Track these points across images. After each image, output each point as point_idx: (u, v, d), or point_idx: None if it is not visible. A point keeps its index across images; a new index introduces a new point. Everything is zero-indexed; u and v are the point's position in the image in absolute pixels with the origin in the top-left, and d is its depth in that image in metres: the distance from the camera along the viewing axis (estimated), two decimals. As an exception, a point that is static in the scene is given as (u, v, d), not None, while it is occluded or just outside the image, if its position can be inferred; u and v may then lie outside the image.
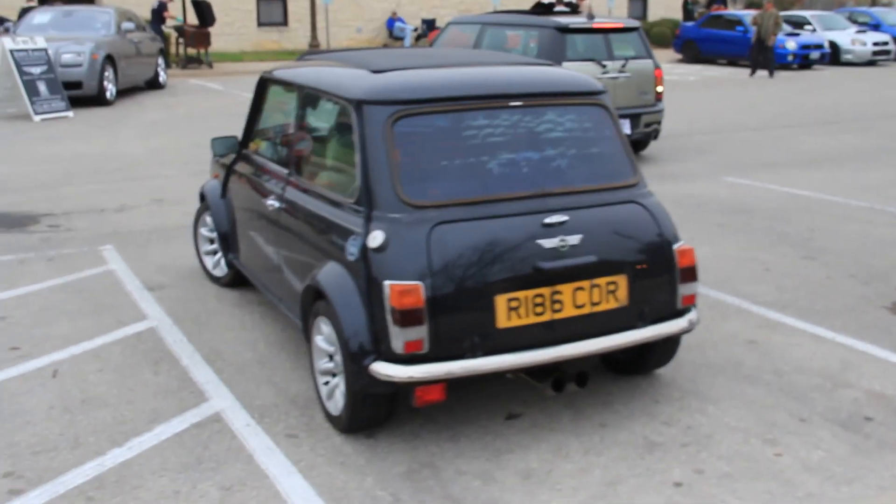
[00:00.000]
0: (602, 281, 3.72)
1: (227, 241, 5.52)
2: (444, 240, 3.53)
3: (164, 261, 6.41)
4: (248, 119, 5.24)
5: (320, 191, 4.11)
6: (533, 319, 3.61)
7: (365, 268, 3.57)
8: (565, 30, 9.44)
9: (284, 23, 27.03)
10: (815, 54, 23.59)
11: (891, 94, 17.88)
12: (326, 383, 4.02)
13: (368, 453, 3.72)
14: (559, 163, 3.91)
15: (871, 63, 25.10)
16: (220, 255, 5.84)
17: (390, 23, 27.77)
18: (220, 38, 25.63)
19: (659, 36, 29.47)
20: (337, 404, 3.87)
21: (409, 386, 3.52)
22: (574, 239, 3.66)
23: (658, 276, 3.87)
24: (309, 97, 4.40)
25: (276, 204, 4.48)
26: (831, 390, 4.27)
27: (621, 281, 3.76)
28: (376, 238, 3.54)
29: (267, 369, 4.56)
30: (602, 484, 3.48)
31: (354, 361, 3.57)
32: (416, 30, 27.85)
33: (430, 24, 28.07)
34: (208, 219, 5.85)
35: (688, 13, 30.78)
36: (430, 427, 3.93)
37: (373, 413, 3.76)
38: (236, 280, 5.72)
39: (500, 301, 3.55)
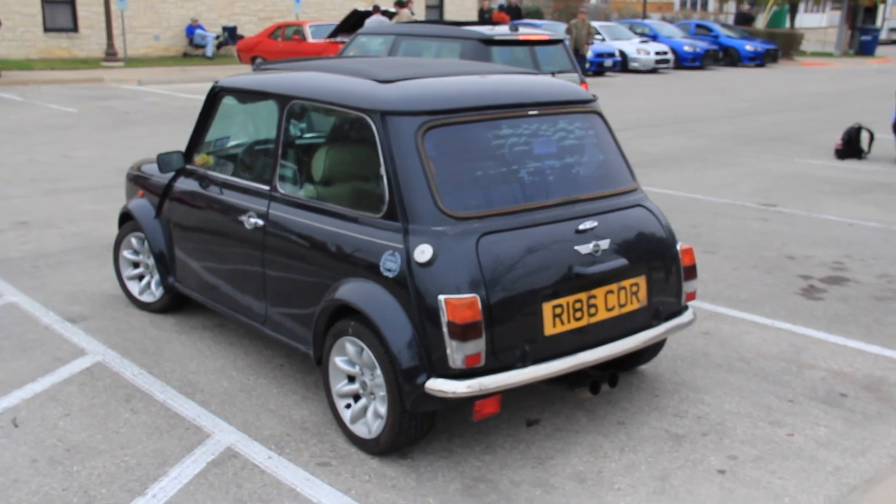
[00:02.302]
0: (627, 283, 3.84)
1: (166, 264, 5.15)
2: (491, 250, 3.51)
3: (69, 289, 5.86)
4: (194, 133, 4.91)
5: (328, 207, 3.94)
6: (573, 325, 3.67)
7: (412, 283, 3.47)
8: (490, 41, 9.13)
9: (75, 29, 25.22)
10: (608, 62, 25.23)
11: (688, 99, 19.47)
12: (348, 406, 3.87)
13: (414, 474, 3.63)
14: (577, 170, 4.00)
15: (653, 70, 27.17)
16: (146, 279, 5.44)
17: (190, 30, 26.65)
18: (1, 43, 23.55)
19: (458, 44, 30.26)
20: (370, 427, 3.74)
21: (467, 401, 3.47)
22: (604, 244, 3.76)
23: (668, 275, 4.05)
24: (298, 108, 4.20)
25: (258, 222, 4.24)
26: (798, 372, 4.64)
27: (641, 282, 3.91)
28: (425, 252, 3.46)
29: (256, 397, 4.31)
30: (654, 479, 3.60)
31: (407, 380, 3.46)
32: (217, 37, 26.93)
33: (231, 32, 27.24)
34: (133, 240, 5.42)
35: (483, 21, 31.82)
36: (458, 441, 3.89)
37: (416, 432, 3.67)
38: (170, 305, 5.34)
39: (547, 308, 3.58)
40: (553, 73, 9.53)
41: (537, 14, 41.62)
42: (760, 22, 37.87)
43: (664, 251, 4.05)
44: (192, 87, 19.70)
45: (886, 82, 23.74)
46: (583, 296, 3.68)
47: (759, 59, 29.92)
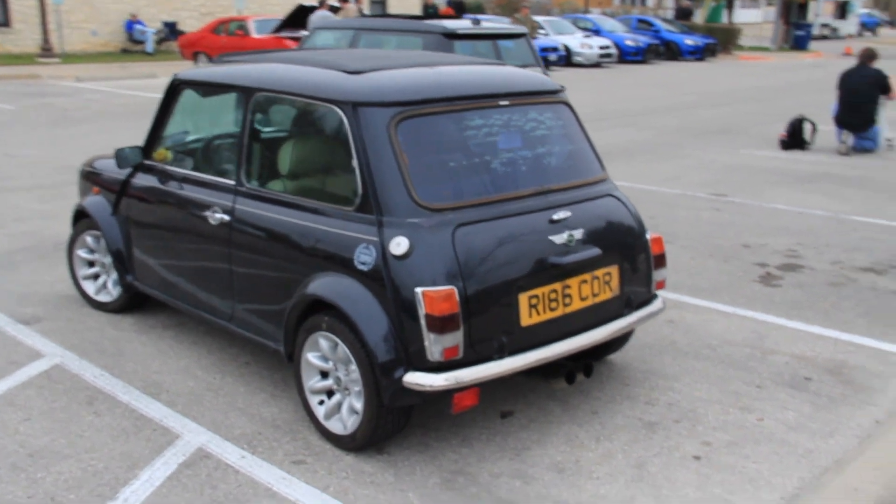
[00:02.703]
0: (600, 272, 3.85)
1: (124, 262, 5.01)
2: (467, 242, 3.48)
3: (19, 290, 5.67)
4: (153, 127, 4.77)
5: (297, 200, 3.87)
6: (549, 315, 3.66)
7: (387, 276, 3.43)
8: (452, 35, 8.86)
9: (6, 23, 24.48)
10: (552, 56, 25.38)
11: (632, 93, 19.68)
12: (321, 402, 3.82)
13: (392, 469, 3.59)
14: (549, 160, 4.00)
15: (597, 65, 27.42)
16: (102, 279, 5.29)
17: (129, 25, 26.09)
18: (-71, 40, 22.79)
19: (402, 39, 30.16)
20: (345, 422, 3.69)
21: (445, 394, 3.44)
22: (578, 233, 3.76)
23: (639, 264, 4.07)
24: (265, 101, 4.11)
25: (224, 217, 4.15)
26: (763, 358, 4.71)
27: (614, 271, 3.92)
28: (400, 244, 3.41)
29: (223, 396, 4.22)
30: (631, 467, 3.61)
31: (385, 374, 3.42)
32: (157, 33, 26.40)
33: (171, 27, 26.73)
34: (88, 239, 5.26)
35: (429, 17, 31.78)
36: (433, 435, 3.86)
37: (392, 427, 3.63)
38: (127, 304, 5.21)
39: (523, 299, 3.57)
40: (519, 68, 9.41)
41: (479, 9, 41.65)
42: (699, 17, 38.49)
43: (635, 240, 4.07)
44: (133, 84, 19.29)
45: (821, 76, 24.33)
46: (558, 286, 3.68)
47: (699, 54, 30.42)
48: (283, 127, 4.23)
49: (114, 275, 5.18)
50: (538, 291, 3.61)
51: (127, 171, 4.92)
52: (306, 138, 4.12)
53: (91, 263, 5.36)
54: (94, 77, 20.22)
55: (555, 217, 3.73)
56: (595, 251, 3.78)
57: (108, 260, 5.20)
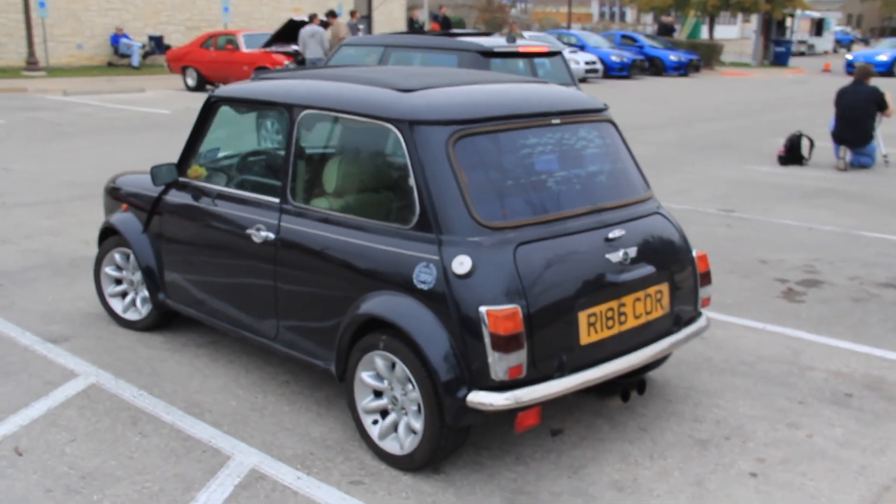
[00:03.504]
0: (653, 290, 3.86)
1: (155, 280, 4.96)
2: (528, 260, 3.48)
3: (42, 308, 5.59)
4: (188, 145, 4.73)
5: (348, 219, 3.84)
6: (606, 333, 3.66)
7: (450, 295, 3.41)
8: (489, 53, 8.61)
9: (-9, 37, 24.28)
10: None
11: (623, 107, 19.75)
12: (375, 422, 3.79)
13: (452, 489, 3.56)
14: (600, 178, 4.01)
15: (583, 80, 27.57)
16: (130, 297, 5.23)
17: (115, 39, 25.91)
18: (-87, 53, 22.51)
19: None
20: (402, 442, 3.66)
21: (507, 413, 3.42)
22: (632, 252, 3.77)
23: (686, 281, 4.08)
24: (312, 118, 4.09)
25: (269, 235, 4.12)
26: (801, 374, 4.74)
27: (665, 289, 3.93)
28: (464, 264, 3.40)
29: (269, 416, 4.17)
30: (690, 485, 3.61)
31: (448, 393, 3.40)
32: (143, 46, 26.25)
33: (157, 41, 26.59)
34: (117, 256, 5.21)
35: (415, 32, 31.87)
36: (486, 454, 3.84)
37: (452, 446, 3.60)
38: (157, 322, 5.15)
39: (582, 317, 3.57)
40: None
41: (460, 25, 41.86)
42: (680, 33, 38.88)
43: (682, 258, 4.08)
44: (122, 98, 19.16)
45: (804, 91, 24.69)
46: (614, 304, 3.68)
47: (683, 69, 30.70)
48: (331, 145, 4.21)
49: (142, 292, 5.13)
50: (596, 309, 3.61)
51: (158, 188, 4.87)
52: (357, 156, 4.10)
53: (118, 281, 5.30)
54: (82, 91, 20.07)
55: (610, 235, 3.73)
56: (650, 269, 3.79)
57: (136, 277, 5.15)
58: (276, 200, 4.16)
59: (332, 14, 20.06)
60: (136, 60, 25.65)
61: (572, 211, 3.73)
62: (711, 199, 9.43)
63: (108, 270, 5.28)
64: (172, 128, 14.57)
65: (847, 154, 11.44)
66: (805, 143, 11.85)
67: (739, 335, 5.29)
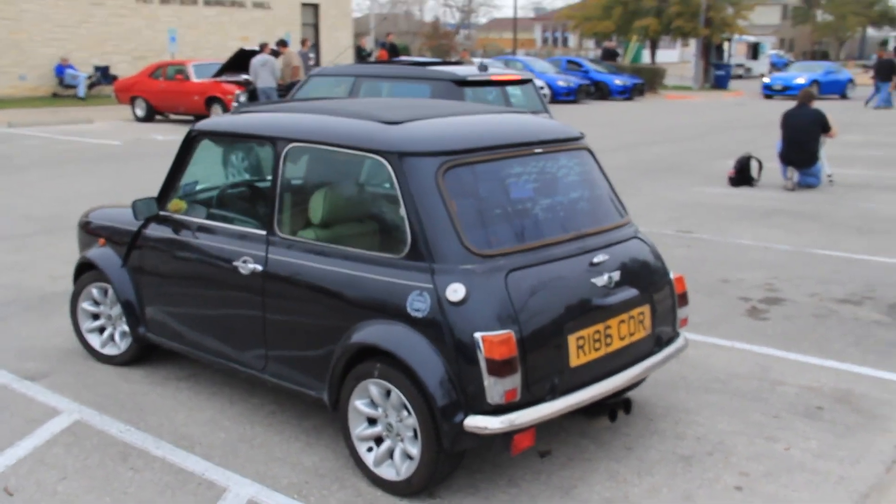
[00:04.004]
0: (636, 312, 3.99)
1: (136, 314, 4.95)
2: (519, 286, 3.58)
3: (15, 344, 5.52)
4: (168, 178, 4.75)
5: (338, 249, 3.91)
6: (594, 355, 3.78)
7: (445, 322, 3.49)
8: (463, 82, 8.65)
9: (-69, 69, 23.78)
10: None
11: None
12: (370, 449, 3.84)
13: (449, 513, 3.63)
14: (581, 205, 4.14)
15: (531, 105, 27.96)
16: (108, 331, 5.21)
17: (59, 69, 25.56)
18: None
19: (337, 82, 30.27)
20: (398, 468, 3.72)
21: (502, 436, 3.50)
22: (616, 275, 3.90)
23: (666, 303, 4.22)
24: (299, 151, 4.15)
25: (256, 267, 4.16)
26: (772, 389, 4.91)
27: (647, 311, 4.07)
28: (457, 291, 3.49)
29: (259, 447, 4.19)
30: (680, 499, 3.73)
31: (445, 418, 3.47)
32: (89, 77, 25.94)
33: (104, 72, 26.30)
34: (94, 291, 5.18)
35: (362, 59, 32.05)
36: (479, 477, 3.91)
37: (448, 470, 3.68)
38: (136, 357, 5.13)
39: (572, 340, 3.68)
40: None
41: (406, 52, 42.17)
42: (623, 58, 39.71)
43: (661, 280, 4.23)
44: (70, 129, 18.89)
45: (745, 114, 25.40)
46: (601, 326, 3.80)
47: (628, 93, 31.34)
48: (318, 177, 4.27)
49: (121, 327, 5.11)
50: (584, 332, 3.73)
51: (138, 222, 4.87)
52: (345, 188, 4.17)
53: (96, 316, 5.27)
54: (28, 122, 19.75)
55: (595, 260, 3.86)
56: (633, 292, 3.92)
57: (115, 312, 5.13)
58: (263, 232, 4.21)
59: (282, 43, 20.09)
60: (82, 91, 25.33)
61: (557, 237, 3.85)
62: (668, 220, 9.67)
63: (86, 305, 5.25)
64: (125, 159, 14.46)
65: (794, 175, 11.82)
66: (754, 165, 12.23)
67: (711, 353, 5.45)
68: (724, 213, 10.18)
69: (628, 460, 4.08)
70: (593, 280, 3.81)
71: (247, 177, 4.74)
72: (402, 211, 3.68)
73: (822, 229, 9.25)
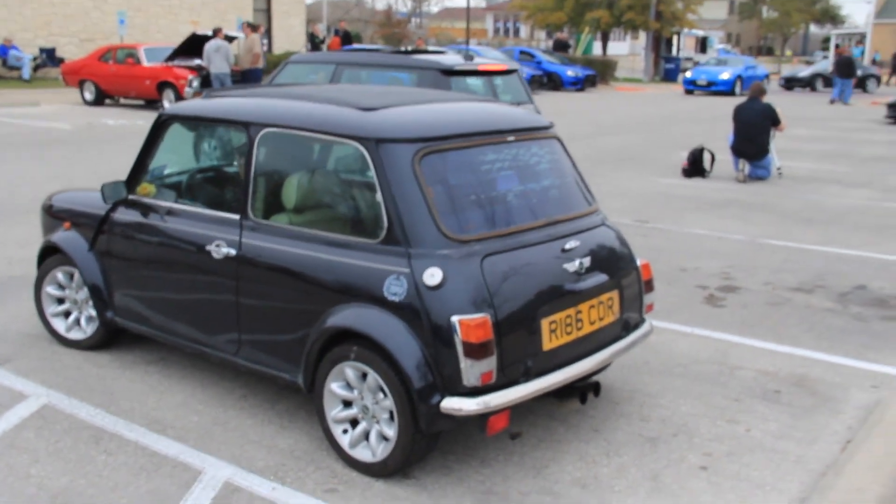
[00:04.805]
0: (605, 297, 4.09)
1: (103, 298, 4.92)
2: (494, 271, 3.65)
3: (-25, 330, 5.45)
4: (137, 162, 4.73)
5: (313, 234, 3.94)
6: (565, 339, 3.87)
7: (422, 306, 3.55)
8: (450, 72, 8.43)
9: None
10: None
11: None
12: (345, 431, 3.89)
13: (425, 493, 3.70)
14: (553, 192, 4.22)
15: (485, 95, 28.08)
16: (74, 316, 5.17)
17: (3, 51, 24.91)
18: None
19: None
20: (374, 450, 3.78)
21: (478, 418, 3.58)
22: (587, 261, 3.99)
23: (633, 289, 4.34)
24: (273, 136, 4.15)
25: (230, 251, 4.17)
26: (731, 374, 5.07)
27: (615, 296, 4.17)
28: (435, 275, 3.55)
29: (233, 430, 4.21)
30: (646, 479, 3.85)
31: (422, 400, 3.54)
32: (34, 59, 25.34)
33: (49, 53, 25.73)
34: (59, 275, 5.13)
35: (315, 47, 31.83)
36: (453, 458, 3.99)
37: (424, 452, 3.74)
38: (102, 341, 5.10)
39: (545, 324, 3.77)
40: (516, 105, 7.90)
41: (359, 40, 41.99)
42: (574, 50, 40.07)
43: (629, 266, 4.34)
44: (15, 112, 18.48)
45: (693, 106, 25.86)
46: (572, 311, 3.90)
47: (580, 84, 31.66)
48: (293, 162, 4.28)
49: (87, 311, 5.08)
50: (556, 317, 3.82)
51: (106, 206, 4.84)
52: (319, 173, 4.20)
53: (61, 300, 5.22)
54: (-29, 105, 19.27)
55: (566, 246, 3.95)
56: (603, 277, 4.02)
57: (81, 296, 5.09)
58: (236, 216, 4.22)
59: (250, 26, 19.74)
60: (26, 73, 24.75)
61: (530, 224, 3.93)
62: (625, 210, 9.84)
63: (50, 290, 5.20)
64: (76, 143, 14.21)
65: (746, 167, 12.10)
66: (707, 157, 12.48)
67: (672, 339, 5.60)
68: (678, 203, 10.39)
69: (596, 442, 4.19)
70: (565, 266, 3.90)
71: (218, 161, 4.73)
72: (379, 196, 3.73)
73: (774, 220, 9.50)
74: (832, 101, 27.59)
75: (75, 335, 5.16)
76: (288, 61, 9.90)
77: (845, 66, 27.52)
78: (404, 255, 3.64)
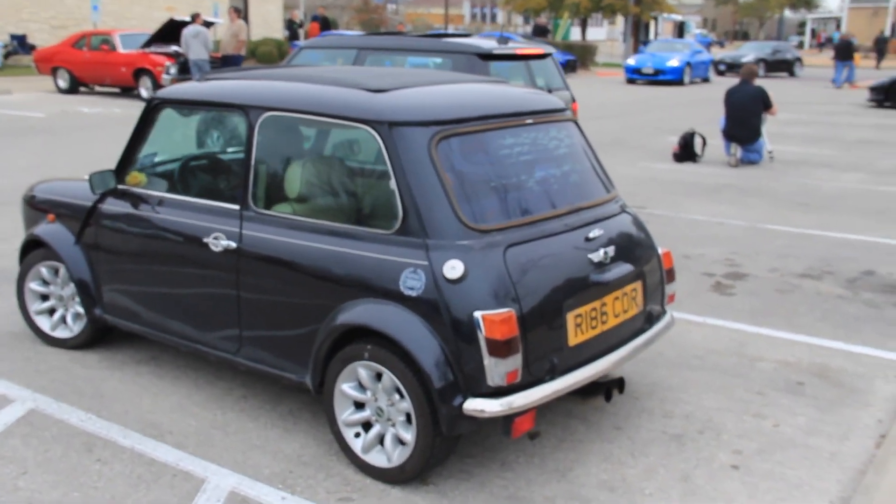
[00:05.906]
0: (629, 288, 3.87)
1: (91, 295, 4.63)
2: (518, 262, 3.42)
3: (-47, 330, 5.14)
4: (127, 150, 4.44)
5: (321, 224, 3.68)
6: (590, 333, 3.65)
7: (442, 301, 3.31)
8: (488, 56, 7.77)
9: None
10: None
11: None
12: (357, 435, 3.65)
13: (445, 500, 3.47)
14: (574, 178, 3.99)
15: (465, 80, 27.72)
16: (59, 313, 4.88)
17: (-28, 38, 24.38)
18: None
19: (266, 56, 29.58)
20: (389, 455, 3.54)
21: (501, 419, 3.36)
22: (611, 250, 3.77)
23: (655, 278, 4.12)
24: (275, 120, 3.88)
25: (230, 244, 3.90)
26: (751, 365, 4.87)
27: (639, 287, 3.96)
28: (455, 268, 3.31)
29: (234, 434, 3.96)
30: (677, 480, 3.64)
31: (444, 401, 3.30)
32: (5, 46, 24.73)
33: (20, 40, 25.12)
34: (43, 270, 4.84)
35: (294, 33, 31.34)
36: (471, 462, 3.76)
37: (443, 456, 3.51)
38: (90, 340, 4.82)
39: (570, 318, 3.54)
40: (550, 91, 7.95)
41: (335, 25, 41.50)
42: (553, 35, 39.80)
43: (651, 255, 4.12)
44: (-12, 100, 17.98)
45: (674, 91, 25.69)
46: (597, 304, 3.68)
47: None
48: (297, 147, 4.02)
49: (74, 308, 4.79)
50: (582, 310, 3.59)
51: (93, 196, 4.55)
52: (326, 159, 3.94)
53: (45, 297, 4.93)
54: (-59, 93, 18.74)
55: (590, 235, 3.72)
56: (628, 267, 3.80)
57: (67, 292, 4.80)
58: (236, 207, 3.95)
59: (236, 11, 19.28)
60: (-2, 60, 24.17)
61: (553, 212, 3.70)
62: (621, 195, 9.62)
63: (34, 286, 4.90)
64: (51, 132, 13.79)
65: (738, 151, 11.93)
66: (698, 141, 12.30)
67: (685, 329, 5.40)
68: (673, 188, 10.21)
69: (620, 441, 3.98)
70: (590, 255, 3.67)
71: (214, 148, 4.45)
72: (393, 184, 3.48)
73: (770, 204, 9.33)
74: (838, 87, 27.42)
75: (61, 333, 4.88)
76: (302, 46, 9.27)
77: (845, 50, 27.66)
78: (421, 247, 3.40)
